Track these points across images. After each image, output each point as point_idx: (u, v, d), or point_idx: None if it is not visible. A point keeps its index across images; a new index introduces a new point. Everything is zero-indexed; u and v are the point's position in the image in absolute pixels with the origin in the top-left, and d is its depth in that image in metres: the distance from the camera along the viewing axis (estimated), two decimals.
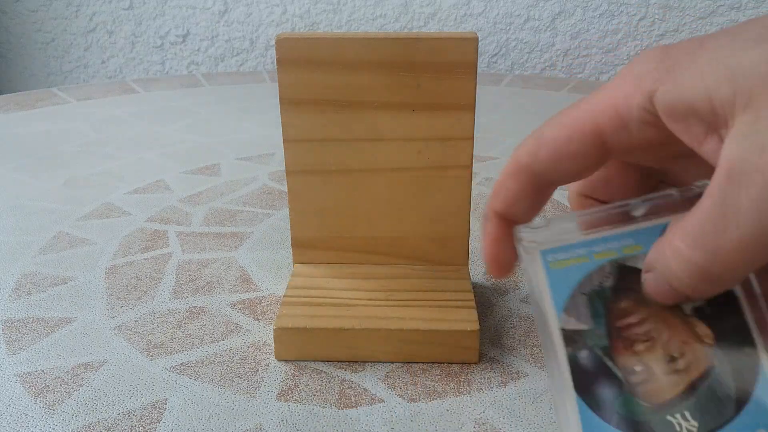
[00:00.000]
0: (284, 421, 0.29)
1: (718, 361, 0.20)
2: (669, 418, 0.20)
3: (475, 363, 0.33)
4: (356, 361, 0.33)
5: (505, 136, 0.70)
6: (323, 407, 0.30)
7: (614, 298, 0.21)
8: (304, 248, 0.38)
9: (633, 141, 0.22)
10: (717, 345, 0.20)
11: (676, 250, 0.20)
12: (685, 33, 1.03)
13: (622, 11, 1.05)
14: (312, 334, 0.32)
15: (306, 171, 0.36)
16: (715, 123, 0.20)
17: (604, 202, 0.25)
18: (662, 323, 0.21)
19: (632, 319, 0.21)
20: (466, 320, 0.32)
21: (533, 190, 0.24)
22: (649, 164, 0.24)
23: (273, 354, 0.33)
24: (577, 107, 0.23)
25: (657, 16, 1.04)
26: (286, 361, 0.33)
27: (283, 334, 0.32)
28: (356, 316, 0.33)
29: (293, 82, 0.34)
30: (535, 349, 0.34)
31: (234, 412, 0.29)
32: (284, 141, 0.35)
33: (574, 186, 0.25)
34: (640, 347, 0.21)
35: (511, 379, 0.32)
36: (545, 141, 0.24)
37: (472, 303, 0.34)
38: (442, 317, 0.32)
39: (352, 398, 0.30)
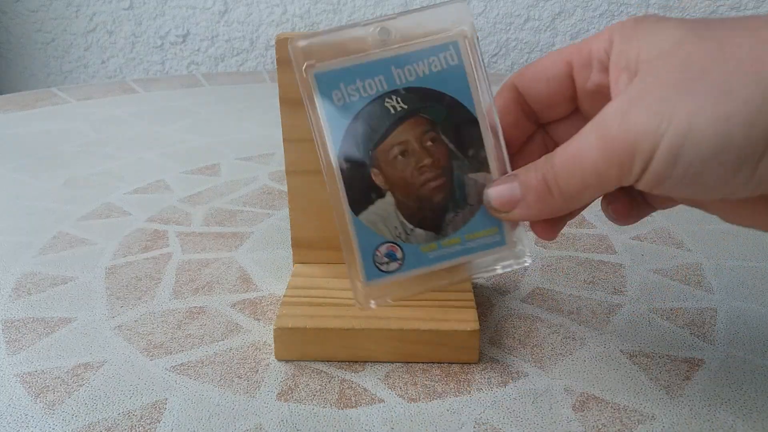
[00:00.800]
0: (284, 421, 0.29)
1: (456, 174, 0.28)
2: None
3: (475, 363, 0.33)
4: (356, 361, 0.33)
5: None
6: (323, 407, 0.30)
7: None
8: (304, 248, 0.38)
9: (587, 84, 0.26)
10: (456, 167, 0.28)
11: (545, 156, 0.25)
12: None
13: (622, 11, 1.05)
14: (312, 334, 0.32)
15: (306, 171, 0.36)
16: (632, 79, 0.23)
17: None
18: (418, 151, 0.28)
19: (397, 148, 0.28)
20: (466, 320, 0.32)
21: (516, 107, 0.28)
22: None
23: (273, 354, 0.33)
24: (568, 46, 0.27)
25: None
26: (286, 361, 0.33)
27: (283, 334, 0.32)
28: (356, 316, 0.33)
29: (293, 82, 0.34)
30: (535, 348, 0.34)
31: (234, 412, 0.29)
32: (284, 141, 0.35)
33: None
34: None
35: (512, 379, 0.32)
36: (532, 65, 0.28)
37: (472, 303, 0.34)
38: (442, 317, 0.32)
39: (352, 398, 0.30)
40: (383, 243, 0.28)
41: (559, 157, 0.24)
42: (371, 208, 0.28)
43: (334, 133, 0.28)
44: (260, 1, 1.19)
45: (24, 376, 0.32)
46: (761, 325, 0.36)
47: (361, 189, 0.28)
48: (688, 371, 0.32)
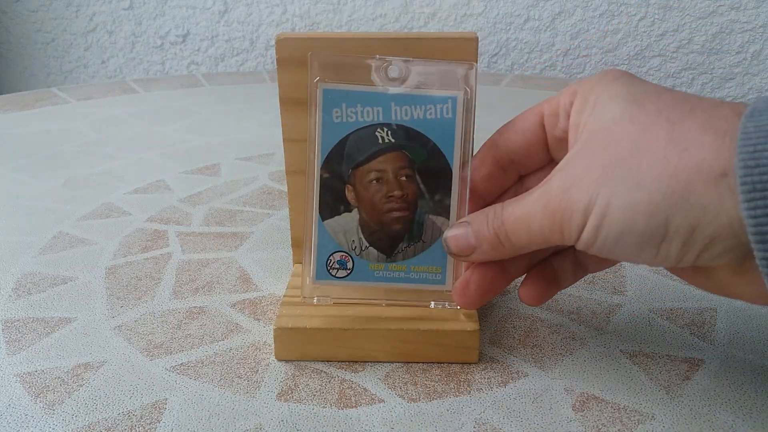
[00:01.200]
0: (284, 421, 0.29)
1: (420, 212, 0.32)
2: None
3: (475, 363, 0.33)
4: (356, 361, 0.33)
5: None
6: (323, 407, 0.30)
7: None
8: None
9: (555, 131, 0.29)
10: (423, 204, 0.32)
11: (495, 208, 0.28)
12: (686, 32, 1.03)
13: (622, 11, 1.05)
14: (312, 334, 0.32)
15: (306, 171, 0.36)
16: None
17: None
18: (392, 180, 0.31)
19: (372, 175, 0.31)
20: (466, 320, 0.32)
21: (492, 161, 0.31)
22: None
23: (273, 354, 0.33)
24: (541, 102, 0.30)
25: (657, 16, 1.04)
26: (286, 361, 0.33)
27: (282, 334, 0.32)
28: (356, 316, 0.33)
29: (293, 82, 0.34)
30: (535, 348, 0.34)
31: (234, 412, 0.29)
32: (284, 141, 0.35)
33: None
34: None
35: (512, 379, 0.32)
36: (509, 122, 0.31)
37: None
38: (442, 317, 0.32)
39: (352, 398, 0.30)
40: (338, 251, 0.32)
41: (509, 217, 0.27)
42: (337, 218, 0.32)
43: (324, 144, 0.31)
44: (260, 1, 1.19)
45: (24, 376, 0.32)
46: (761, 325, 0.36)
47: (332, 199, 0.31)
48: (688, 371, 0.32)
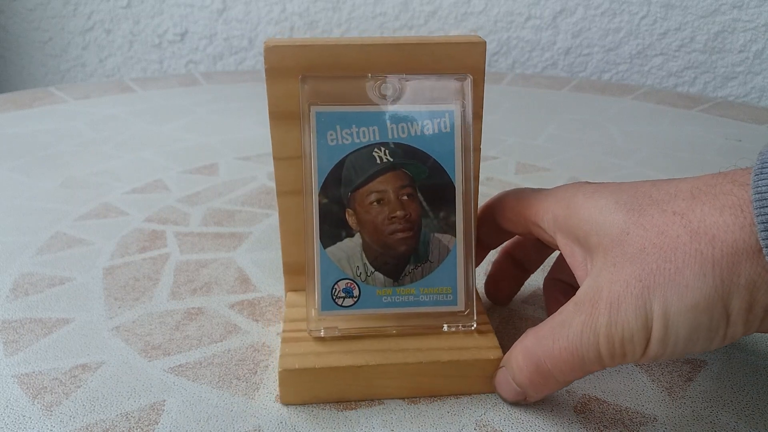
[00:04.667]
0: (283, 422, 0.29)
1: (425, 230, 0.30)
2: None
3: None
4: (372, 399, 0.30)
5: (506, 136, 0.70)
6: (322, 409, 0.29)
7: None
8: (298, 274, 0.34)
9: (543, 234, 0.31)
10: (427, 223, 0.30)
11: (524, 348, 0.28)
12: (688, 31, 1.03)
13: (623, 9, 1.05)
14: (322, 374, 0.29)
15: (298, 191, 0.32)
16: (589, 258, 0.27)
17: (518, 261, 0.36)
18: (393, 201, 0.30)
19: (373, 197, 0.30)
20: (486, 346, 0.30)
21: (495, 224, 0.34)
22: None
23: (271, 355, 0.33)
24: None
25: (659, 15, 1.03)
26: (290, 404, 0.30)
27: (289, 377, 0.29)
28: (368, 350, 0.30)
29: (284, 94, 0.31)
30: None
31: (233, 413, 0.29)
32: (274, 159, 0.32)
33: (504, 246, 0.36)
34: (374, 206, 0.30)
35: None
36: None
37: (489, 326, 0.31)
38: (461, 345, 0.30)
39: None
40: (343, 279, 0.30)
41: (547, 354, 0.27)
42: (339, 245, 0.30)
43: (321, 169, 0.30)
44: None
45: (21, 377, 0.32)
46: None
47: (333, 225, 0.30)
48: (690, 372, 0.32)
